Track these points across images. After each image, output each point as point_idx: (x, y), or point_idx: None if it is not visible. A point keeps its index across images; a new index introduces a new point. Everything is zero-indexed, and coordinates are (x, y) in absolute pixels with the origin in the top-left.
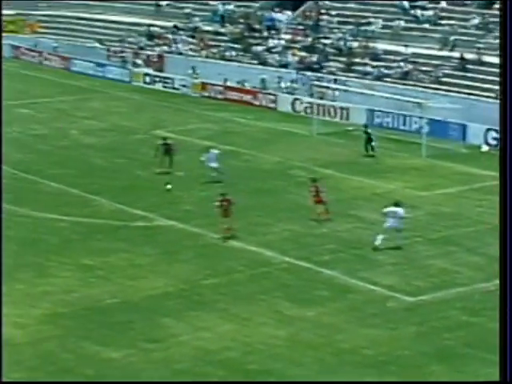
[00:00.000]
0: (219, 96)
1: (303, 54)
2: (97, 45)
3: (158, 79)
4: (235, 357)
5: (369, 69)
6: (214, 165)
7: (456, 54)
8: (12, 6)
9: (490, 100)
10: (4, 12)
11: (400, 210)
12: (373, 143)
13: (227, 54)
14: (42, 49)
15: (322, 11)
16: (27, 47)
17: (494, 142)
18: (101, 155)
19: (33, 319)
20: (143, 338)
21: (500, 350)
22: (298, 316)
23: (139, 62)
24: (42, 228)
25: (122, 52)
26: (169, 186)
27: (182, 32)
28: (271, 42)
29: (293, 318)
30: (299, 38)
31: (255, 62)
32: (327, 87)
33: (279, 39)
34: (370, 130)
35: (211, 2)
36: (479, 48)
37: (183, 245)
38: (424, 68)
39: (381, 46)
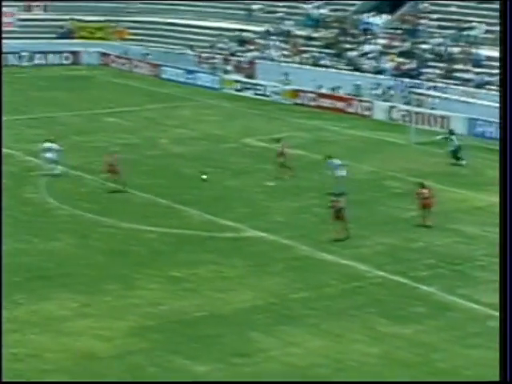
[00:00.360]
0: (312, 103)
1: (400, 59)
2: (187, 51)
3: (248, 86)
4: (326, 374)
5: (470, 75)
6: (341, 173)
7: None
8: (100, 13)
9: None
10: (92, 18)
11: None
12: (457, 153)
13: (320, 59)
14: (131, 56)
15: (421, 15)
16: (116, 54)
17: None
18: (190, 164)
19: (119, 332)
20: (231, 352)
21: (500, 349)
22: (392, 333)
23: (230, 68)
24: (130, 239)
25: (213, 58)
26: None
27: (273, 37)
28: (367, 47)
29: (387, 335)
30: (396, 42)
31: (349, 67)
32: (426, 94)
33: (375, 44)
34: (454, 137)
35: (304, 6)
36: None
37: (273, 257)
38: None
39: (483, 51)
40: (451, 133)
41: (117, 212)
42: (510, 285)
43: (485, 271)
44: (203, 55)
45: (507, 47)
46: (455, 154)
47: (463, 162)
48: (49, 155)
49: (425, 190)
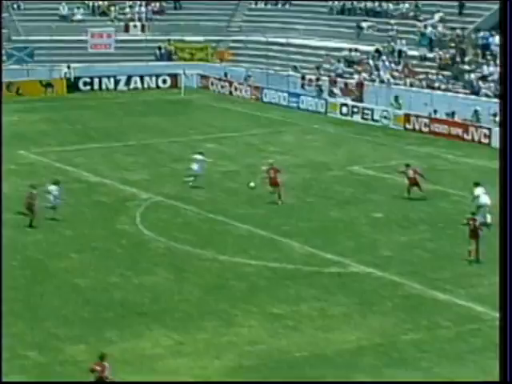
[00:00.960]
0: (424, 129)
1: None
2: (291, 72)
3: (356, 110)
4: None
5: None
6: (483, 201)
7: None
8: (200, 32)
9: None
10: (192, 39)
11: None
12: None
13: (435, 81)
14: (232, 78)
15: None
16: (216, 76)
17: None
18: (293, 193)
19: (216, 372)
20: None
21: (500, 349)
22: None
23: (336, 90)
24: (227, 273)
25: (318, 80)
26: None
27: (384, 57)
28: (486, 69)
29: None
30: None
31: (467, 91)
32: None
33: (496, 65)
34: None
35: (418, 24)
36: None
37: (381, 295)
38: None
39: None
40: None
41: (214, 244)
42: (510, 285)
43: None
44: (308, 77)
45: (507, 51)
46: None
47: None
48: (196, 168)
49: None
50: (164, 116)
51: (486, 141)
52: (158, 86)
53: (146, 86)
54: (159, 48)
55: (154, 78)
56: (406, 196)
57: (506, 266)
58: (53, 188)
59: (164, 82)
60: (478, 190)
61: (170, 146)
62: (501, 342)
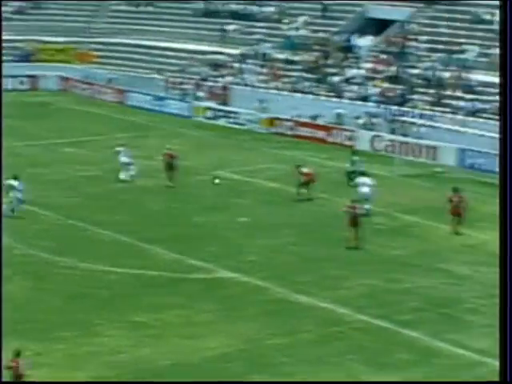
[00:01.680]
0: (289, 132)
1: (386, 85)
2: (155, 76)
3: (221, 114)
4: None
5: (461, 103)
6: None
7: None
8: (61, 33)
9: None
10: (52, 40)
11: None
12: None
13: (300, 85)
14: (94, 80)
15: (409, 36)
16: (78, 79)
17: None
18: (157, 199)
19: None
20: None
21: (500, 349)
22: (375, 382)
23: (201, 94)
24: (89, 281)
25: (183, 83)
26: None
27: (249, 60)
28: (350, 72)
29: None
30: (382, 66)
31: (331, 94)
32: (412, 123)
33: (359, 68)
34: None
35: (283, 27)
36: None
37: (246, 300)
38: None
39: (476, 76)
40: (354, 153)
41: (74, 251)
42: (510, 285)
43: (474, 315)
44: (172, 80)
45: (507, 52)
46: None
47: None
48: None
49: (454, 198)
50: (22, 119)
51: (349, 143)
52: (15, 88)
53: (3, 87)
54: (18, 49)
55: (10, 80)
56: (297, 197)
57: (505, 264)
58: (15, 183)
59: (22, 83)
60: (363, 180)
61: (27, 150)
62: (501, 341)
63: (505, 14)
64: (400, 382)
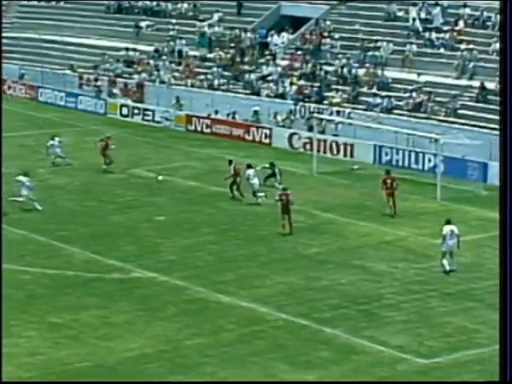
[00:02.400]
0: (206, 130)
1: (302, 82)
2: (68, 72)
3: (136, 111)
4: None
5: (377, 100)
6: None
7: (476, 83)
8: None
9: None
10: None
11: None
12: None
13: (216, 82)
14: (4, 76)
15: (324, 34)
16: None
17: None
18: (71, 197)
19: None
20: None
21: (500, 349)
22: (296, 380)
23: (116, 91)
24: (3, 281)
25: (97, 80)
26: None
27: (164, 57)
28: (266, 69)
29: (290, 382)
30: (297, 64)
31: (247, 91)
32: (329, 120)
33: (275, 66)
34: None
35: (198, 24)
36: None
37: (165, 300)
38: (439, 99)
39: (390, 73)
40: (272, 165)
41: None
42: (510, 285)
43: (393, 311)
44: (86, 76)
45: (507, 53)
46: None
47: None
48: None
49: (388, 180)
50: None
51: (266, 141)
52: None
53: None
54: None
55: None
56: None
57: (505, 268)
58: (24, 179)
59: None
60: (250, 171)
61: None
62: (501, 341)
63: (505, 14)
64: (400, 382)
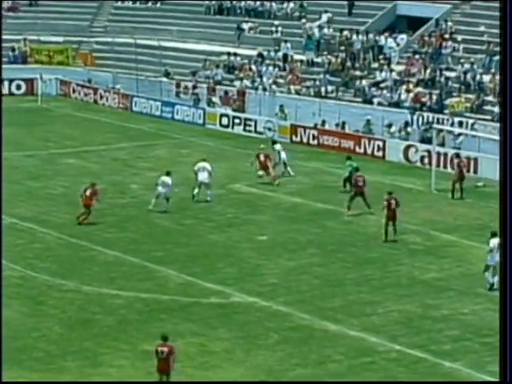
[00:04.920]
0: (313, 142)
1: (419, 89)
2: (164, 79)
3: (237, 121)
4: None
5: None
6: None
7: None
8: (60, 32)
9: None
10: (50, 39)
11: None
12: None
13: (323, 89)
14: (96, 84)
15: (445, 36)
16: (79, 83)
17: None
18: (167, 215)
19: None
20: None
21: (500, 350)
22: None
23: (215, 99)
24: (93, 306)
25: (195, 88)
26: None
27: (268, 62)
28: (379, 75)
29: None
30: (415, 69)
31: (358, 99)
32: (450, 131)
33: (389, 71)
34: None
35: (305, 25)
36: None
37: (266, 327)
38: None
39: None
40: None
41: (77, 273)
42: (511, 284)
43: None
44: (183, 84)
45: (507, 52)
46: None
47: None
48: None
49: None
50: (18, 127)
51: (379, 154)
52: (11, 93)
53: None
54: (13, 49)
55: (6, 84)
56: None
57: (506, 268)
58: (166, 179)
59: (18, 87)
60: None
61: (24, 161)
62: (501, 341)
63: (505, 14)
64: (399, 382)
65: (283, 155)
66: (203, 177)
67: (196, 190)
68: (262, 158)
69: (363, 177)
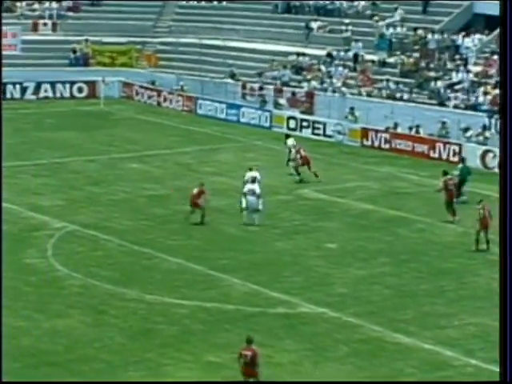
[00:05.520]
0: (384, 146)
1: (498, 91)
2: (229, 80)
3: (305, 124)
4: None
5: None
6: None
7: None
8: (123, 33)
9: None
10: (113, 40)
11: None
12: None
13: (396, 91)
14: (160, 86)
15: None
16: (142, 85)
17: None
18: (232, 221)
19: None
20: None
21: (500, 350)
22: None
23: (282, 101)
24: (155, 315)
25: (261, 89)
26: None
27: (337, 62)
28: (455, 76)
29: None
30: (493, 70)
31: (433, 101)
32: None
33: (466, 72)
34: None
35: (377, 24)
36: None
37: (335, 338)
38: None
39: None
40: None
41: (139, 281)
42: (510, 284)
43: None
44: (249, 85)
45: (507, 52)
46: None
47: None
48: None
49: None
50: (80, 131)
51: (455, 159)
52: (72, 96)
53: (58, 94)
54: (74, 51)
55: (67, 86)
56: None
57: (505, 265)
58: (256, 173)
59: (80, 90)
60: (249, 175)
61: (86, 166)
62: (501, 341)
63: (505, 14)
64: (397, 382)
65: (293, 152)
66: (253, 187)
67: (244, 202)
68: (302, 152)
69: (454, 180)
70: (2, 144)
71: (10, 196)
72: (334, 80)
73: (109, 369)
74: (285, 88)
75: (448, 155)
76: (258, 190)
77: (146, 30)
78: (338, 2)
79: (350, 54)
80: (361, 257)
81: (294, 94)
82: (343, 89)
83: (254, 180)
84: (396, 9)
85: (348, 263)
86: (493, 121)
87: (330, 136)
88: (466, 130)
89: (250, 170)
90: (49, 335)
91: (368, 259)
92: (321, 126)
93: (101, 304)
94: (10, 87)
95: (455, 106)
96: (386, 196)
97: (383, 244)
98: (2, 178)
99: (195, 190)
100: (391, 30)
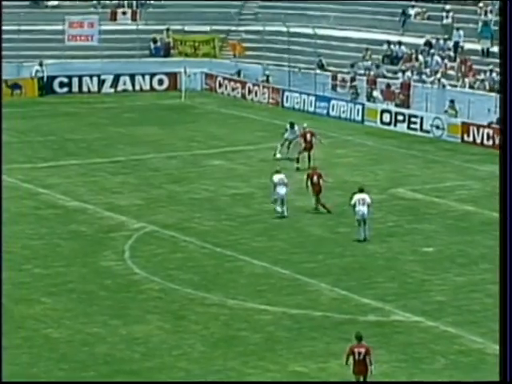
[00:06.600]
0: (487, 142)
1: None
2: (318, 71)
3: (400, 118)
4: None
5: None
6: None
7: None
8: (206, 21)
9: None
10: (195, 29)
11: None
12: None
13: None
14: (245, 78)
15: None
16: (226, 76)
17: None
18: (321, 222)
19: None
20: None
21: (500, 350)
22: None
23: (376, 94)
24: (239, 322)
25: (353, 80)
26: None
27: (436, 52)
28: None
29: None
30: None
31: None
32: None
33: None
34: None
35: (479, 10)
36: None
37: (432, 350)
38: None
39: None
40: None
41: (222, 285)
42: (510, 285)
43: None
44: (340, 76)
45: (507, 51)
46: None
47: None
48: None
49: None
50: (160, 125)
51: None
52: (152, 88)
53: (137, 87)
54: (154, 40)
55: (147, 78)
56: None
57: (505, 266)
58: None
59: (160, 82)
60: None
61: (167, 163)
62: (501, 341)
63: (505, 14)
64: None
65: (298, 134)
66: (283, 191)
67: (279, 206)
68: (308, 137)
69: None
70: (2, 144)
71: (85, 195)
72: (433, 71)
73: (188, 378)
74: (379, 79)
75: None
76: (286, 196)
77: (231, 17)
78: None
79: (451, 42)
80: (460, 262)
81: (388, 85)
82: (442, 80)
83: (284, 183)
84: None
85: (446, 269)
86: None
87: (427, 131)
88: None
89: (277, 172)
90: (125, 342)
91: (468, 265)
92: (417, 121)
93: (180, 309)
94: (87, 80)
95: None
96: (489, 197)
97: (485, 249)
98: (1, 178)
99: (315, 178)
100: (496, 16)
